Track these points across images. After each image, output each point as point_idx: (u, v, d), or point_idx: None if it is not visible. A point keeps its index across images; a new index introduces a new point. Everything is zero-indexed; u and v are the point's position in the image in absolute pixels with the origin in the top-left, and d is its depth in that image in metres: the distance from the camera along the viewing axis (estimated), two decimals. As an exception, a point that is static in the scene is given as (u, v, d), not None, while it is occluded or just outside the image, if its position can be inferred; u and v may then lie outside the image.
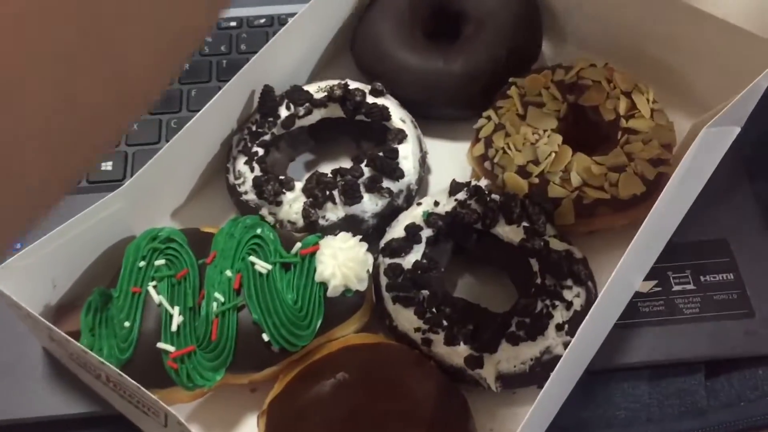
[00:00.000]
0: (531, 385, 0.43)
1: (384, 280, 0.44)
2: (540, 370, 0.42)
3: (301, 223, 0.47)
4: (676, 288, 0.48)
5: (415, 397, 0.40)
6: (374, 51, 0.53)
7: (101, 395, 0.44)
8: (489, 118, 0.50)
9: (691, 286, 0.48)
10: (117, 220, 0.45)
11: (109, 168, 0.53)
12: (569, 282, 0.43)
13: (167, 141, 0.47)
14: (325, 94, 0.50)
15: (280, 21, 0.60)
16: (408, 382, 0.41)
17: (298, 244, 0.43)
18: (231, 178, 0.49)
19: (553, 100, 0.49)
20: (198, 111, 0.46)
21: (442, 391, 0.41)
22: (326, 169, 0.53)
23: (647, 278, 0.48)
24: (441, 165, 0.53)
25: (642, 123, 0.48)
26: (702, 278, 0.48)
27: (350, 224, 0.47)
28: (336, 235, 0.43)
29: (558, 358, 0.41)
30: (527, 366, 0.42)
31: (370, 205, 0.47)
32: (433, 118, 0.54)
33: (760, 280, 0.48)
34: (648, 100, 0.49)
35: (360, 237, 0.43)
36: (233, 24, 0.60)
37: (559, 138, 0.48)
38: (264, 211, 0.48)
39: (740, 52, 0.48)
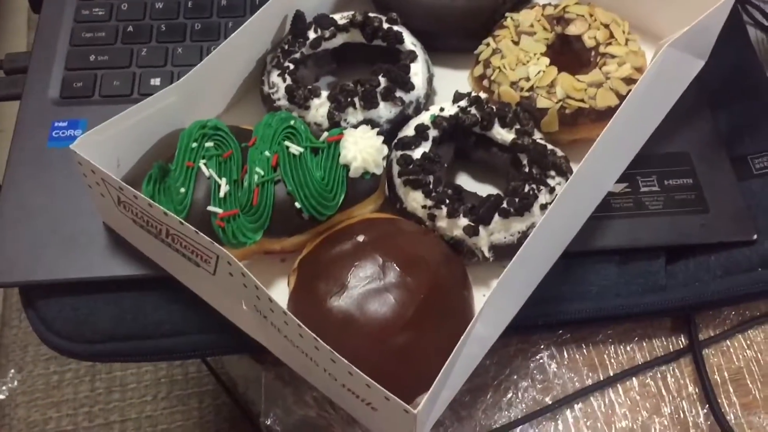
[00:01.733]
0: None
1: (396, 169, 0.53)
2: (526, 243, 0.51)
3: (326, 124, 0.55)
4: (643, 189, 0.56)
5: (424, 259, 0.48)
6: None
7: (155, 260, 0.52)
8: (488, 44, 0.58)
9: (656, 188, 0.56)
10: (171, 112, 0.53)
11: (158, 83, 0.61)
12: (552, 172, 0.52)
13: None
14: (348, 20, 0.58)
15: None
16: (417, 246, 0.49)
17: (326, 133, 0.51)
18: (266, 88, 0.57)
19: (542, 30, 0.58)
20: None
21: (446, 255, 0.49)
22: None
23: (619, 181, 0.56)
24: (445, 89, 0.61)
25: (618, 49, 0.56)
26: (666, 182, 0.56)
27: (367, 126, 0.55)
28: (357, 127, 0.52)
29: (541, 233, 0.50)
30: (515, 238, 0.50)
31: (385, 111, 0.55)
32: (440, 49, 0.62)
33: (714, 184, 0.56)
34: (623, 31, 0.58)
35: (377, 130, 0.51)
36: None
37: (546, 60, 0.56)
38: (294, 114, 0.56)
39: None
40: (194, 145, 0.51)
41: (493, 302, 0.44)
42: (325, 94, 0.56)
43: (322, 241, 0.50)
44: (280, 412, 0.53)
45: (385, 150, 0.51)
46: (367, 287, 0.46)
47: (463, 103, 0.54)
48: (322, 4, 0.62)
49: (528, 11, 0.59)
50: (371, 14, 0.59)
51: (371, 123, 0.55)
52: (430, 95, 0.59)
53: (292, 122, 0.52)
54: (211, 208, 0.49)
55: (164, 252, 0.49)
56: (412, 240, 0.49)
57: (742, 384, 0.54)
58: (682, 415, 0.52)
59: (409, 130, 0.54)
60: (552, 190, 0.51)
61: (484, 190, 0.56)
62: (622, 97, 0.55)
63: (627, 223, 0.55)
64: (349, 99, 0.55)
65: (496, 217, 0.50)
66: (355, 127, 0.55)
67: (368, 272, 0.47)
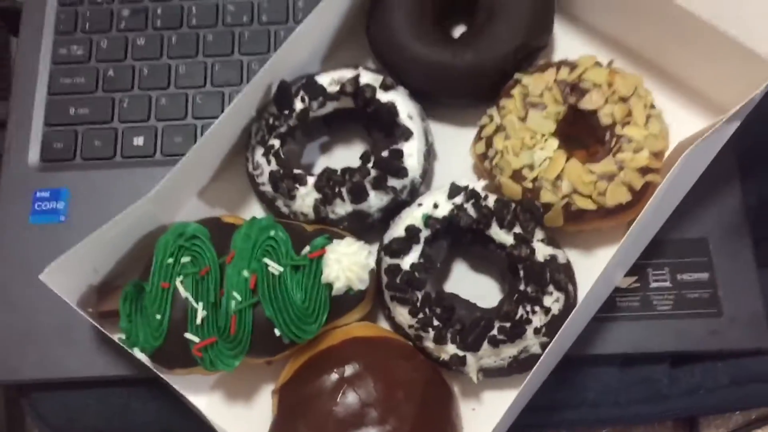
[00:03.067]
0: (509, 376, 0.49)
1: (384, 279, 0.50)
2: (517, 366, 0.48)
3: (312, 215, 0.52)
4: (653, 285, 0.52)
5: (406, 388, 0.46)
6: (386, 40, 0.55)
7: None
8: (492, 117, 0.53)
9: (667, 284, 0.52)
10: (147, 218, 0.50)
11: (141, 143, 0.58)
12: (550, 288, 0.48)
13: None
14: (338, 88, 0.53)
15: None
16: (400, 374, 0.47)
17: (308, 247, 0.48)
18: (250, 167, 0.54)
19: (554, 102, 0.52)
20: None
21: (430, 380, 0.48)
22: (340, 152, 0.57)
23: (628, 274, 0.52)
24: (447, 150, 0.57)
25: (636, 131, 0.50)
26: (679, 276, 0.52)
27: (357, 218, 0.52)
28: (342, 238, 0.48)
29: (534, 356, 0.47)
30: (506, 362, 0.48)
31: (375, 201, 0.51)
32: (443, 105, 0.56)
33: (732, 281, 0.52)
34: (645, 105, 0.51)
35: (363, 242, 0.48)
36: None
37: (555, 143, 0.51)
38: (279, 202, 0.52)
39: (738, 65, 0.50)
40: (170, 261, 0.48)
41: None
42: (311, 180, 0.52)
43: (304, 365, 0.48)
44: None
45: (372, 263, 0.48)
46: (348, 431, 0.45)
47: (458, 199, 0.50)
48: (314, 53, 0.56)
49: (540, 75, 0.52)
50: (363, 80, 0.53)
51: (360, 214, 0.52)
52: (427, 168, 0.54)
53: (272, 233, 0.48)
54: (188, 335, 0.47)
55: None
56: (397, 368, 0.47)
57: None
58: None
59: (399, 228, 0.50)
60: (548, 311, 0.48)
61: (481, 280, 0.53)
62: (635, 192, 0.50)
63: (632, 327, 0.51)
64: (336, 190, 0.51)
65: (486, 344, 0.47)
66: (343, 219, 0.52)
67: (349, 412, 0.46)
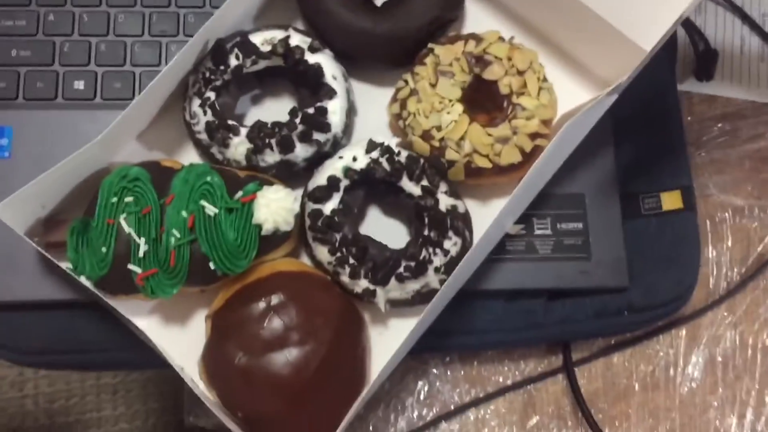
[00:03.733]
0: (412, 306, 0.58)
1: (307, 221, 0.57)
2: (419, 298, 0.57)
3: (244, 163, 0.58)
4: (537, 232, 0.61)
5: (324, 315, 0.54)
6: (314, 5, 0.60)
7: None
8: (407, 82, 0.60)
9: (548, 232, 0.61)
10: (93, 160, 0.55)
11: (81, 87, 0.62)
12: (450, 233, 0.56)
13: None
14: (270, 48, 0.59)
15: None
16: (319, 303, 0.55)
17: (240, 192, 0.54)
18: (187, 116, 0.59)
19: (461, 71, 0.59)
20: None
21: (344, 309, 0.56)
22: (269, 104, 0.63)
23: (517, 222, 0.61)
24: (367, 108, 0.63)
25: (528, 101, 0.58)
26: (558, 225, 0.61)
27: (284, 166, 0.58)
28: (271, 184, 0.55)
29: (434, 291, 0.56)
30: (410, 295, 0.56)
31: (301, 152, 0.58)
32: (364, 67, 0.63)
33: (601, 231, 0.61)
34: (538, 78, 0.59)
35: (289, 189, 0.55)
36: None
37: (460, 108, 0.58)
38: (214, 150, 0.58)
39: (616, 47, 0.58)
40: (114, 200, 0.54)
41: (394, 358, 0.52)
42: (244, 131, 0.58)
43: (235, 294, 0.55)
44: (201, 412, 0.62)
45: (297, 208, 0.55)
46: (272, 351, 0.52)
47: (375, 154, 0.57)
48: (247, 14, 0.61)
49: (450, 47, 0.59)
50: (293, 42, 0.59)
51: (288, 163, 0.58)
52: (349, 124, 0.61)
53: (208, 178, 0.54)
54: (131, 266, 0.53)
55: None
56: (316, 298, 0.55)
57: (595, 404, 0.63)
58: (542, 430, 0.62)
59: (321, 179, 0.57)
60: (447, 252, 0.56)
61: (391, 225, 0.61)
62: (525, 154, 0.58)
63: (517, 267, 0.60)
64: (266, 141, 0.57)
65: (393, 280, 0.55)
66: (272, 167, 0.58)
67: (274, 335, 0.53)
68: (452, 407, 0.62)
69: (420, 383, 0.62)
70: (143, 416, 1.25)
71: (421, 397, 0.62)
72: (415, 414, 0.62)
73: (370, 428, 0.61)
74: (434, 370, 0.63)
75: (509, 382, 0.63)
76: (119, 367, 0.60)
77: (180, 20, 0.64)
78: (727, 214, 0.68)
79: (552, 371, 0.64)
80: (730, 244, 0.67)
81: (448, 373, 0.63)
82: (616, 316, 0.61)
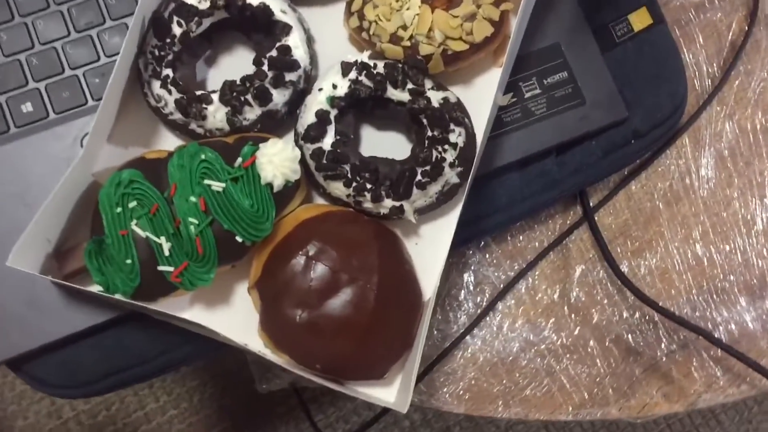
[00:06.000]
0: (438, 208, 0.58)
1: (312, 163, 0.56)
2: (443, 198, 0.57)
3: (227, 128, 0.56)
4: (527, 95, 0.61)
5: (362, 246, 0.54)
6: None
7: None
8: (355, -9, 0.57)
9: (537, 91, 0.61)
10: (81, 179, 0.53)
11: (31, 109, 0.58)
12: (452, 126, 0.56)
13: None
14: (209, 3, 0.55)
15: None
16: (352, 236, 0.55)
17: (239, 158, 0.53)
18: (152, 100, 0.56)
19: (406, -37, 0.57)
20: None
21: (378, 233, 0.56)
22: (224, 60, 0.61)
23: (505, 92, 0.61)
24: (322, 31, 0.61)
25: (482, -30, 0.57)
26: (545, 80, 0.61)
27: (267, 117, 0.56)
28: (261, 140, 0.53)
29: (455, 185, 0.56)
30: (434, 198, 0.56)
31: (279, 97, 0.56)
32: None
33: (585, 72, 0.61)
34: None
35: (285, 139, 0.53)
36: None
37: (418, 1, 0.56)
38: (192, 125, 0.56)
39: None
40: (119, 210, 0.52)
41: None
42: (216, 96, 0.55)
43: (270, 258, 0.54)
44: (271, 375, 0.62)
45: (299, 154, 0.54)
46: (328, 298, 0.53)
47: (352, 75, 0.56)
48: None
49: (387, -58, 0.57)
50: (230, -10, 0.56)
51: (269, 113, 0.56)
52: (312, 53, 0.59)
53: (203, 156, 0.53)
54: (162, 268, 0.52)
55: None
56: (349, 232, 0.55)
57: (629, 234, 0.65)
58: (588, 277, 0.64)
59: (310, 115, 0.56)
60: (455, 145, 0.56)
61: (388, 137, 0.60)
62: (495, 23, 0.57)
63: (519, 135, 0.60)
64: (242, 98, 0.55)
65: (415, 189, 0.55)
66: (255, 122, 0.56)
67: (323, 282, 0.53)
68: (501, 286, 0.64)
69: (465, 275, 0.63)
70: (187, 397, 1.27)
71: (471, 287, 0.63)
72: (470, 305, 0.63)
73: (435, 333, 0.63)
74: (474, 258, 0.64)
75: (546, 244, 0.65)
76: (180, 365, 0.60)
77: (101, 5, 0.60)
78: (690, 14, 0.68)
79: (580, 221, 0.65)
80: (701, 41, 0.68)
81: (487, 256, 0.64)
82: (625, 147, 0.62)
